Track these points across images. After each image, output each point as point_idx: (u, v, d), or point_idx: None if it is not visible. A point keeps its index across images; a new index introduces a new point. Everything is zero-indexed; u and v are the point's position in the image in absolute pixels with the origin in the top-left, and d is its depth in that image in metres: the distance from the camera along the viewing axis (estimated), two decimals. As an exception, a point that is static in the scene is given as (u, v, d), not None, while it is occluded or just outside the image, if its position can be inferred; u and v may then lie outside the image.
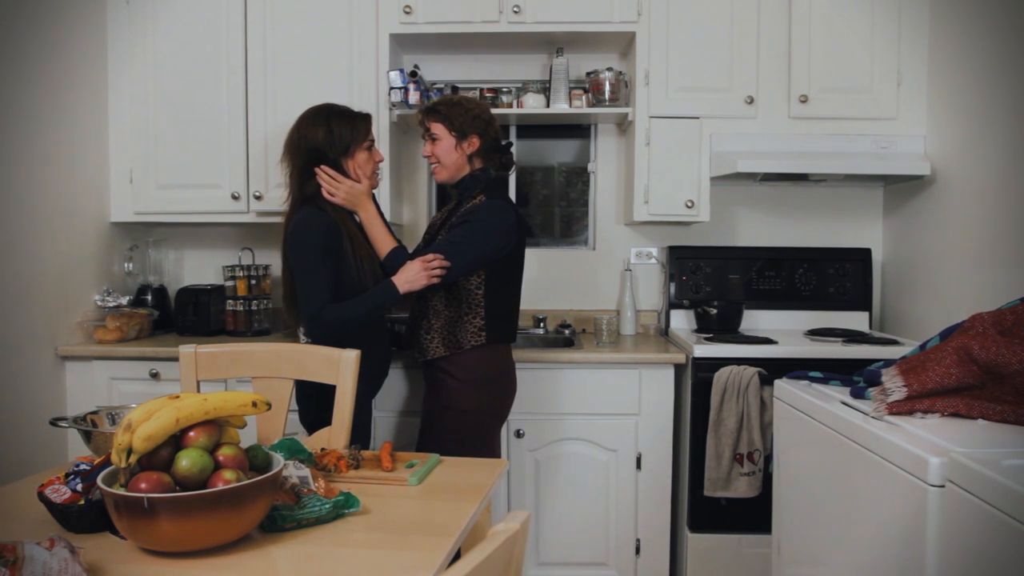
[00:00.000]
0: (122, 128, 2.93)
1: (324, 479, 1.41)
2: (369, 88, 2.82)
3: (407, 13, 2.79)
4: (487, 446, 2.27)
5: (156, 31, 2.88)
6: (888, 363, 1.65)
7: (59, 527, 1.27)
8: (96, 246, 2.90)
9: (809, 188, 3.13)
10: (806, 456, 1.81)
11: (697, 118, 2.80)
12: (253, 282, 2.99)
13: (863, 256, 3.03)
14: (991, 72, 2.37)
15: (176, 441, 1.23)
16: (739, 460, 2.43)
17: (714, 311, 2.89)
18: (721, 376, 2.46)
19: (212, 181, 2.90)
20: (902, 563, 1.35)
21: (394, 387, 2.58)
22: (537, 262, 3.14)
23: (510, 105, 2.97)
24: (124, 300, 2.86)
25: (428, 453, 1.70)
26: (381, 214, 2.25)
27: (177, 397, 1.25)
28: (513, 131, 3.25)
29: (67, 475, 1.31)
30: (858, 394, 1.67)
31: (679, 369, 2.64)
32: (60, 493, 1.27)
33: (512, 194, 3.27)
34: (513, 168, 2.44)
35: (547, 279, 3.21)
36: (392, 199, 2.90)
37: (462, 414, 2.22)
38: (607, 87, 2.91)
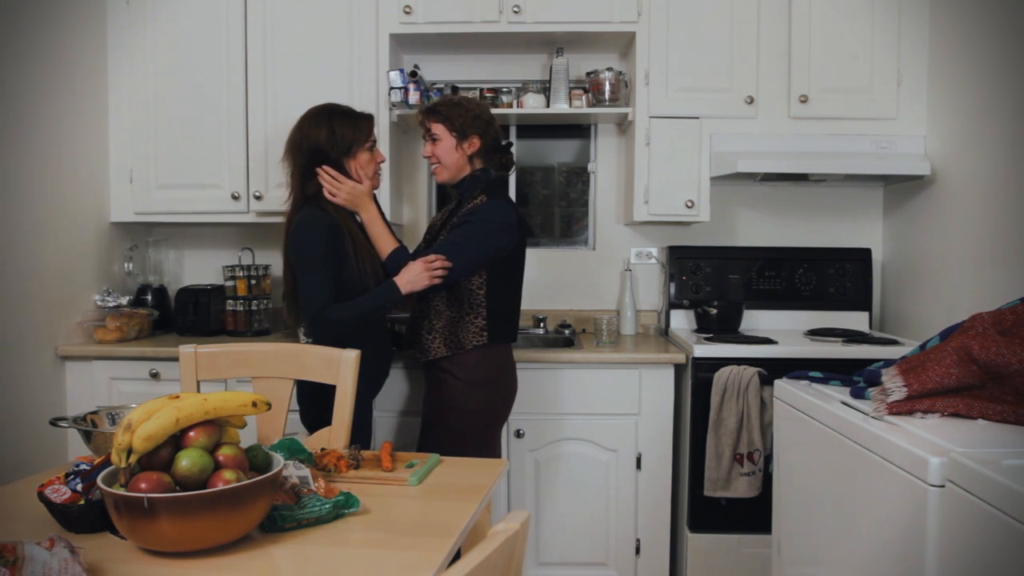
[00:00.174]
0: (122, 128, 2.93)
1: (324, 479, 1.41)
2: (369, 88, 2.82)
3: (407, 13, 2.79)
4: (488, 446, 2.27)
5: (156, 31, 2.88)
6: (888, 363, 1.65)
7: (59, 527, 1.27)
8: (96, 246, 2.90)
9: (809, 188, 3.14)
10: (806, 456, 1.81)
11: (697, 118, 2.80)
12: (253, 282, 2.99)
13: (863, 256, 3.03)
14: (991, 72, 2.37)
15: (176, 441, 1.23)
16: (739, 460, 2.43)
17: (714, 311, 2.89)
18: (721, 376, 2.46)
19: (212, 181, 2.90)
20: (902, 563, 1.35)
21: (394, 387, 2.58)
22: (537, 262, 3.14)
23: (510, 105, 2.97)
24: (124, 300, 2.86)
25: (429, 453, 1.70)
26: (382, 214, 2.25)
27: (177, 397, 1.25)
28: (513, 131, 3.25)
29: (67, 475, 1.31)
30: (858, 394, 1.67)
31: (679, 369, 2.64)
32: (60, 493, 1.27)
33: (512, 194, 3.27)
34: (513, 168, 2.44)
35: (547, 279, 3.21)
36: (392, 199, 2.90)
37: (464, 414, 2.22)
38: (607, 87, 2.91)
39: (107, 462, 1.30)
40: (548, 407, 2.61)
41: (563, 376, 2.60)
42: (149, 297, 3.07)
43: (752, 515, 2.45)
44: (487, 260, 2.19)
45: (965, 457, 1.20)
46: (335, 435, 1.82)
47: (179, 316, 3.01)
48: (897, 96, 2.76)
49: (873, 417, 1.52)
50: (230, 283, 2.98)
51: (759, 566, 2.44)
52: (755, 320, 3.00)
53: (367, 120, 2.21)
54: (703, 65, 2.79)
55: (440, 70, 3.15)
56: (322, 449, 1.64)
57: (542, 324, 3.10)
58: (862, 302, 3.01)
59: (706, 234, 3.13)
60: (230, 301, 2.97)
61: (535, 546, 2.65)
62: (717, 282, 3.04)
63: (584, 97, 2.94)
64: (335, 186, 2.14)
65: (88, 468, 1.32)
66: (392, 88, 2.78)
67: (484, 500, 1.45)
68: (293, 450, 1.48)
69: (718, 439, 2.45)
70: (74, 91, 2.75)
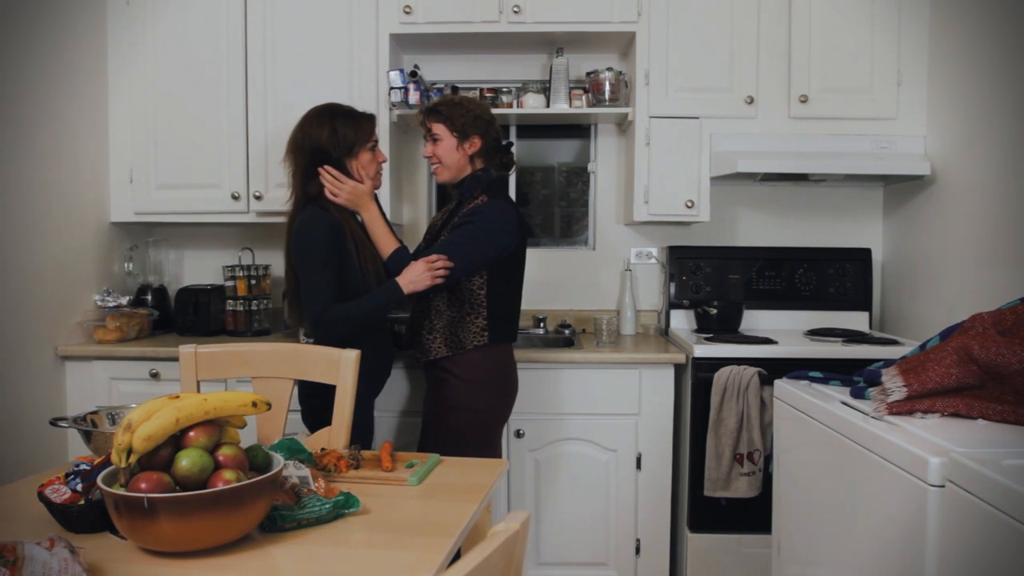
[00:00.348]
0: (122, 128, 2.93)
1: (324, 479, 1.41)
2: (369, 88, 2.82)
3: (407, 13, 2.79)
4: (489, 446, 2.27)
5: (156, 31, 2.88)
6: (888, 363, 1.65)
7: (59, 527, 1.27)
8: (96, 246, 2.90)
9: (809, 188, 3.14)
10: (806, 456, 1.81)
11: (697, 118, 2.80)
12: (253, 282, 2.99)
13: (863, 256, 3.03)
14: (991, 72, 2.37)
15: (176, 441, 1.23)
16: (739, 460, 2.43)
17: (714, 311, 2.89)
18: (721, 376, 2.46)
19: (212, 181, 2.90)
20: (902, 563, 1.35)
21: (395, 387, 2.58)
22: (537, 262, 3.14)
23: (510, 105, 2.97)
24: (124, 300, 2.85)
25: (429, 453, 1.70)
26: (383, 214, 2.25)
27: (177, 397, 1.25)
28: (513, 131, 3.25)
29: (67, 475, 1.31)
30: (858, 394, 1.67)
31: (679, 369, 2.64)
32: (60, 493, 1.27)
33: (512, 194, 3.27)
34: (513, 168, 2.44)
35: (547, 279, 3.21)
36: (392, 199, 2.90)
37: (465, 414, 2.22)
38: (607, 87, 2.91)
39: (107, 462, 1.30)
40: (548, 407, 2.61)
41: (563, 376, 2.60)
42: (149, 297, 3.07)
43: (752, 515, 2.45)
44: (488, 260, 2.19)
45: (965, 457, 1.20)
46: (335, 435, 1.82)
47: (179, 316, 3.01)
48: (897, 96, 2.76)
49: (873, 417, 1.52)
50: (230, 283, 2.98)
51: (759, 566, 2.44)
52: (755, 320, 3.00)
53: (369, 120, 2.21)
54: (703, 65, 2.79)
55: (440, 70, 3.15)
56: (322, 449, 1.64)
57: (542, 324, 3.10)
58: (862, 302, 3.01)
59: (706, 234, 3.13)
60: (230, 301, 2.97)
61: (535, 546, 2.65)
62: (717, 282, 3.04)
63: (584, 97, 2.94)
64: (336, 186, 2.14)
65: (88, 468, 1.32)
66: (392, 88, 2.78)
67: (484, 500, 1.45)
68: (293, 450, 1.48)
69: (718, 439, 2.45)
70: (74, 91, 2.75)
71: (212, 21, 2.86)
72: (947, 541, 1.24)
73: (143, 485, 1.14)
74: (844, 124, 2.78)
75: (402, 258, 2.17)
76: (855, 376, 1.79)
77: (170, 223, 3.14)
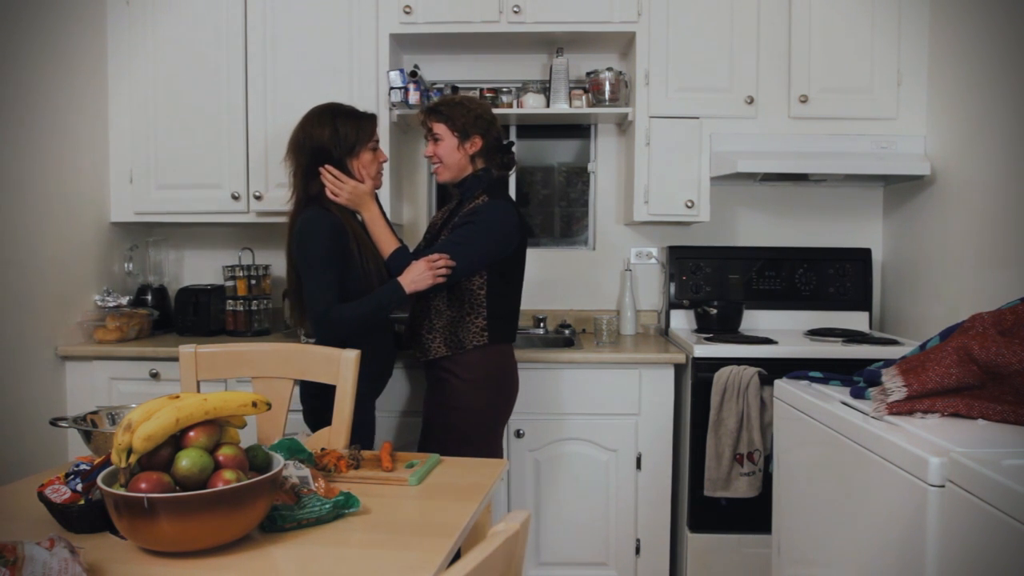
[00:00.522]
0: (122, 128, 2.93)
1: (324, 479, 1.41)
2: (369, 88, 2.82)
3: (407, 13, 2.79)
4: (490, 446, 2.27)
5: (156, 31, 2.88)
6: (888, 363, 1.65)
7: (59, 527, 1.27)
8: (96, 246, 2.90)
9: (809, 188, 3.14)
10: (806, 456, 1.81)
11: (697, 118, 2.80)
12: (253, 282, 2.99)
13: (863, 256, 3.03)
14: (991, 72, 2.37)
15: (176, 441, 1.23)
16: (739, 460, 2.43)
17: (714, 311, 2.89)
18: (721, 376, 2.46)
19: (212, 181, 2.90)
20: (902, 563, 1.35)
21: (395, 387, 2.58)
22: (537, 262, 3.14)
23: (510, 105, 2.97)
24: (124, 300, 2.86)
25: (430, 453, 1.70)
26: (384, 214, 2.25)
27: (177, 397, 1.25)
28: (513, 131, 3.25)
29: (67, 475, 1.31)
30: (858, 394, 1.68)
31: (679, 369, 2.64)
32: (60, 493, 1.27)
33: (512, 194, 3.26)
34: (514, 168, 2.44)
35: (547, 279, 3.21)
36: (392, 199, 2.90)
37: (465, 414, 2.21)
38: (607, 87, 2.91)
39: (107, 462, 1.30)
40: (548, 407, 2.61)
41: (563, 376, 2.60)
42: (149, 297, 3.07)
43: (752, 515, 2.45)
44: (488, 260, 2.19)
45: (965, 457, 1.20)
46: (335, 435, 1.82)
47: (179, 316, 3.01)
48: (897, 96, 2.76)
49: (873, 417, 1.52)
50: (230, 283, 2.99)
51: (759, 566, 2.44)
52: (755, 320, 3.00)
53: (370, 120, 2.21)
54: (703, 65, 2.79)
55: (440, 70, 3.15)
56: (322, 449, 1.64)
57: (542, 324, 3.10)
58: (862, 302, 3.01)
59: (706, 234, 3.13)
60: (230, 301, 2.97)
61: (535, 546, 2.65)
62: (717, 282, 3.04)
63: (584, 97, 2.94)
64: (337, 186, 2.14)
65: (88, 468, 1.32)
66: (392, 88, 2.78)
67: (484, 500, 1.45)
68: (293, 450, 1.48)
69: (718, 439, 2.45)
70: (74, 91, 2.75)
71: (212, 21, 2.86)
72: (947, 541, 1.24)
73: (143, 485, 1.14)
74: (844, 124, 2.78)
75: (403, 258, 2.17)
76: (855, 376, 1.79)
77: (170, 223, 3.14)
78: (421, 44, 3.00)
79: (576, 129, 3.26)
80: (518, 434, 2.61)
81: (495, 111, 2.42)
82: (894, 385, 1.53)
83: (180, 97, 2.89)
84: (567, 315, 3.19)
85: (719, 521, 2.53)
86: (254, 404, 1.30)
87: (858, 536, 1.52)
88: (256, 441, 1.64)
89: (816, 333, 2.82)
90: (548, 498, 2.64)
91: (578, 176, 3.32)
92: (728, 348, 2.54)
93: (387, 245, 2.20)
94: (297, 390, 2.06)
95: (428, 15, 2.79)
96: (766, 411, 2.41)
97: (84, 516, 1.25)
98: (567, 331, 3.09)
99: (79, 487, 1.27)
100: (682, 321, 3.04)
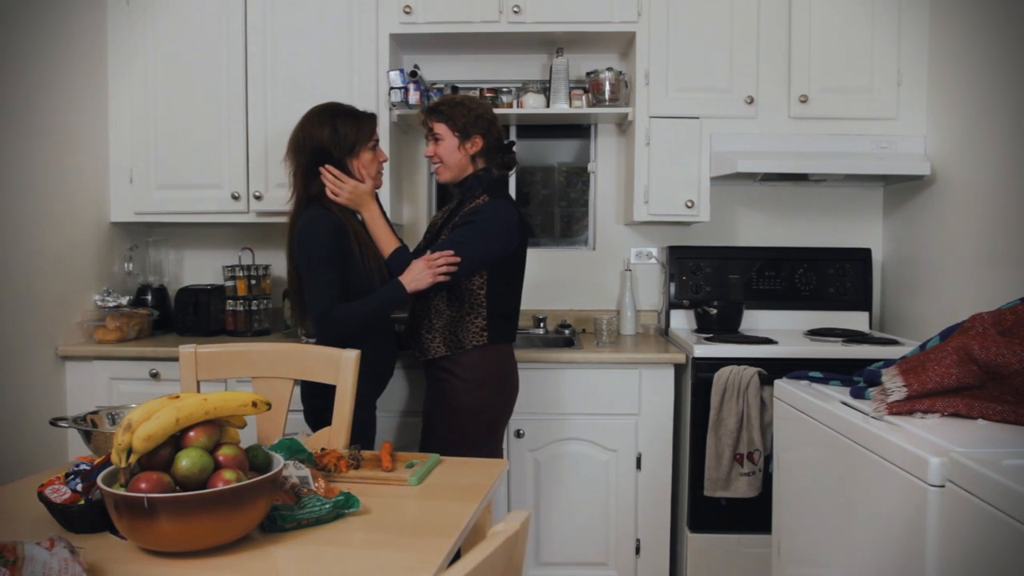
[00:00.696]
0: (122, 128, 2.93)
1: (324, 479, 1.41)
2: (369, 88, 2.82)
3: (407, 13, 2.79)
4: (491, 446, 2.27)
5: (156, 31, 2.88)
6: (888, 363, 1.65)
7: (59, 527, 1.27)
8: (96, 246, 2.90)
9: (809, 188, 3.14)
10: (806, 456, 1.81)
11: (697, 118, 2.80)
12: (253, 282, 2.99)
13: (863, 256, 3.03)
14: (991, 72, 2.37)
15: (176, 441, 1.23)
16: (739, 460, 2.43)
17: (714, 311, 2.89)
18: (721, 376, 2.46)
19: (212, 181, 2.90)
20: (902, 563, 1.35)
21: (395, 387, 2.58)
22: (537, 262, 3.14)
23: (510, 105, 2.97)
24: (124, 300, 2.86)
25: (430, 453, 1.70)
26: (384, 214, 2.25)
27: (177, 397, 1.25)
28: (513, 131, 3.25)
29: (67, 475, 1.31)
30: (858, 394, 1.67)
31: (679, 369, 2.64)
32: (60, 493, 1.27)
33: (512, 194, 3.26)
34: (515, 168, 2.44)
35: (547, 279, 3.21)
36: (392, 199, 2.90)
37: (466, 414, 2.21)
38: (607, 87, 2.91)
39: (107, 462, 1.30)
40: (548, 407, 2.61)
41: (563, 376, 2.60)
42: (149, 297, 3.07)
43: (752, 515, 2.45)
44: (489, 260, 2.19)
45: (965, 457, 1.20)
46: (335, 435, 1.82)
47: (179, 316, 3.01)
48: (897, 96, 2.76)
49: (873, 417, 1.52)
50: (230, 283, 2.99)
51: (759, 566, 2.44)
52: (755, 320, 3.00)
53: (370, 119, 2.21)
54: (703, 65, 2.79)
55: (440, 70, 3.15)
56: (322, 449, 1.64)
57: (542, 324, 3.10)
58: (862, 302, 3.01)
59: (706, 234, 3.14)
60: (230, 301, 2.97)
61: (535, 546, 2.65)
62: (717, 282, 3.04)
63: (584, 97, 2.94)
64: (338, 185, 2.14)
65: (88, 468, 1.32)
66: (392, 88, 2.78)
67: (484, 500, 1.45)
68: (293, 450, 1.48)
69: (718, 439, 2.45)
70: (74, 91, 2.75)
71: (212, 21, 2.85)
72: (947, 541, 1.24)
73: (143, 485, 1.14)
74: (844, 124, 2.78)
75: (403, 257, 2.17)
76: (855, 376, 1.79)
77: (170, 223, 3.14)
78: (421, 44, 3.00)
79: (576, 129, 3.26)
80: (518, 434, 2.61)
81: (495, 111, 2.42)
82: (894, 385, 1.53)
83: (180, 96, 2.89)
84: (567, 315, 3.19)
85: (719, 521, 2.53)
86: (254, 404, 1.30)
87: (858, 536, 1.52)
88: (256, 441, 1.64)
89: (816, 333, 2.82)
90: (548, 498, 2.64)
91: (578, 176, 3.32)
92: (728, 348, 2.54)
93: (387, 245, 2.20)
94: (297, 390, 2.06)
95: (428, 15, 2.79)
96: (766, 411, 2.41)
97: (84, 516, 1.25)
98: (567, 331, 3.09)
99: (79, 487, 1.27)
100: (682, 321, 3.04)
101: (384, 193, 2.75)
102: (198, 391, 1.89)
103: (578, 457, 2.62)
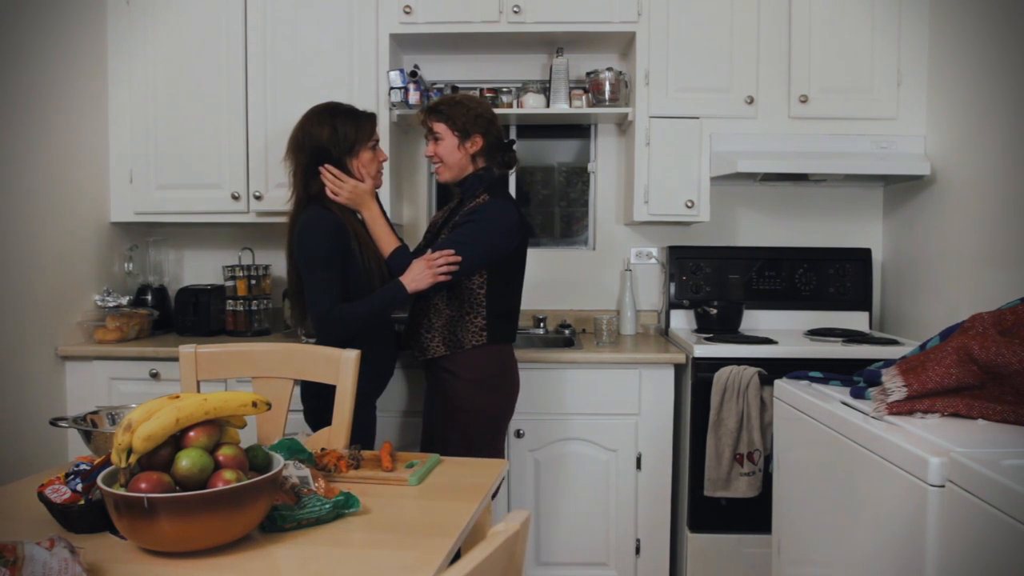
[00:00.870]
0: (122, 128, 2.93)
1: (324, 479, 1.41)
2: (369, 88, 2.82)
3: (407, 13, 2.79)
4: (492, 446, 2.27)
5: (156, 31, 2.88)
6: (888, 363, 1.65)
7: (59, 527, 1.27)
8: (96, 246, 2.90)
9: (809, 188, 3.14)
10: (806, 456, 1.81)
11: (697, 118, 2.80)
12: (253, 282, 2.99)
13: (863, 256, 3.03)
14: (991, 72, 2.37)
15: (176, 441, 1.23)
16: (739, 460, 2.43)
17: (714, 311, 2.89)
18: (721, 376, 2.46)
19: (212, 181, 2.90)
20: (902, 563, 1.35)
21: (395, 387, 2.58)
22: (537, 262, 3.14)
23: (510, 105, 2.97)
24: (124, 300, 2.86)
25: (430, 453, 1.70)
26: (384, 213, 2.25)
27: (177, 397, 1.25)
28: (513, 131, 3.25)
29: (67, 475, 1.31)
30: (858, 394, 1.67)
31: (679, 369, 2.64)
32: (60, 493, 1.27)
33: (512, 194, 3.26)
34: (515, 166, 2.44)
35: (547, 279, 3.21)
36: (392, 198, 2.90)
37: (467, 413, 2.21)
38: (607, 87, 2.91)
39: (107, 462, 1.30)
40: (548, 407, 2.61)
41: (563, 376, 2.60)
42: (149, 297, 3.07)
43: (752, 515, 2.45)
44: (489, 259, 2.19)
45: (965, 457, 1.20)
46: (335, 435, 1.82)
47: (179, 316, 3.01)
48: (897, 96, 2.76)
49: (873, 417, 1.52)
50: (230, 283, 2.98)
51: (759, 566, 2.44)
52: (755, 320, 3.00)
53: (370, 119, 2.21)
54: (703, 65, 2.79)
55: (440, 70, 3.15)
56: (322, 449, 1.64)
57: (542, 324, 3.10)
58: (862, 302, 3.01)
59: (706, 234, 3.14)
60: (230, 301, 2.97)
61: (535, 546, 2.65)
62: (717, 282, 3.04)
63: (584, 97, 2.94)
64: (338, 185, 2.14)
65: (88, 468, 1.32)
66: (392, 88, 2.78)
67: (484, 500, 1.45)
68: (293, 450, 1.48)
69: (718, 439, 2.45)
70: (74, 91, 2.75)
71: (212, 21, 2.85)
72: (947, 541, 1.24)
73: (143, 485, 1.14)
74: (844, 124, 2.78)
75: (403, 257, 2.17)
76: (855, 376, 1.79)
77: (170, 223, 3.14)
78: (421, 44, 3.00)
79: (576, 129, 3.26)
80: (518, 434, 2.61)
81: (495, 111, 2.42)
82: (894, 385, 1.53)
83: (180, 97, 2.89)
84: (567, 315, 3.19)
85: (719, 521, 2.53)
86: (254, 404, 1.30)
87: (858, 536, 1.52)
88: (256, 441, 1.64)
89: (816, 333, 2.82)
90: (548, 498, 2.63)
91: (578, 176, 3.32)
92: (728, 348, 2.54)
93: (388, 244, 2.20)
94: (297, 390, 2.06)
95: (428, 15, 2.79)
96: (766, 411, 2.41)
97: (84, 516, 1.25)
98: (567, 331, 3.09)
99: (79, 487, 1.27)
100: (682, 321, 3.04)
101: (384, 193, 2.75)
102: (198, 391, 1.89)
103: (578, 457, 2.62)
